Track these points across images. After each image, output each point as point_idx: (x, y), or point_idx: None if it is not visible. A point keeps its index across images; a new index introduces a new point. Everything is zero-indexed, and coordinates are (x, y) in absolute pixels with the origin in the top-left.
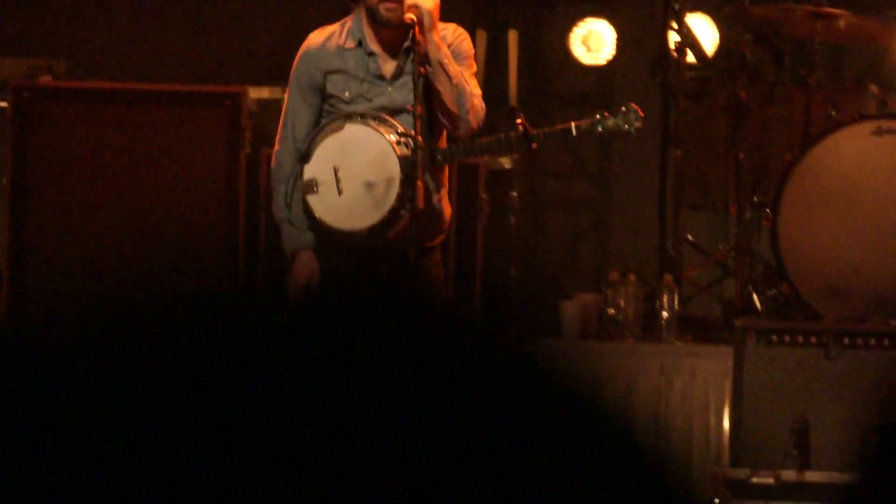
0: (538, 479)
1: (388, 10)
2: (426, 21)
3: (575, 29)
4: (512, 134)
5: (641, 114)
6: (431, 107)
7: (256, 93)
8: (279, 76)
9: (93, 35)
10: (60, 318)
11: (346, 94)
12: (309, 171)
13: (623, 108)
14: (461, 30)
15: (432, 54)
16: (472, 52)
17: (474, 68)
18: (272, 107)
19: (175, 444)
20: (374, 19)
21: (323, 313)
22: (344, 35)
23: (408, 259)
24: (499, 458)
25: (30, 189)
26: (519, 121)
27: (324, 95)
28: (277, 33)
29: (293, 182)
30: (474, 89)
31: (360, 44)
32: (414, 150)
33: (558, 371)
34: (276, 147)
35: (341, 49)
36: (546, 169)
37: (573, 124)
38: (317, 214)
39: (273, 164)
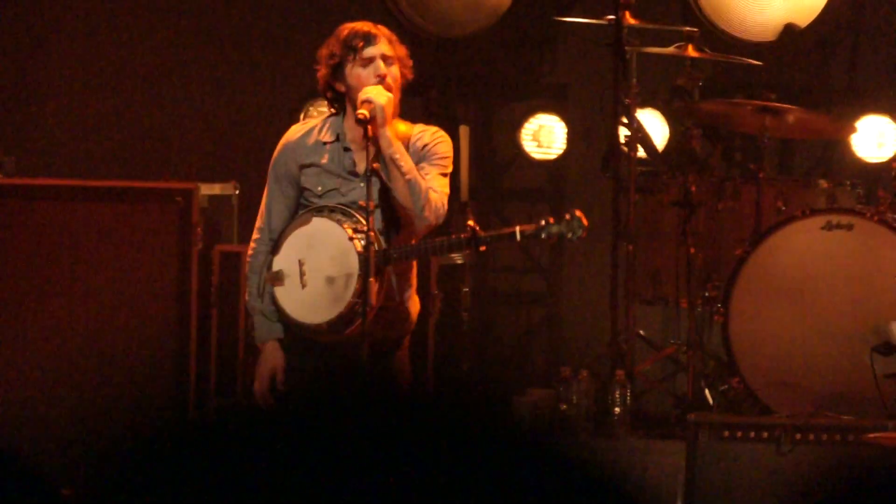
0: None
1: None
2: (379, 117)
3: (525, 124)
4: (462, 236)
5: (585, 222)
6: (392, 203)
7: (208, 189)
8: (230, 172)
9: (43, 132)
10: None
11: (319, 188)
12: (277, 262)
13: (567, 216)
14: (441, 133)
15: (384, 150)
16: (448, 154)
17: (448, 169)
18: (223, 202)
19: None
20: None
21: (283, 406)
22: (324, 130)
23: (375, 354)
24: None
25: None
26: (469, 223)
27: (299, 188)
28: (229, 131)
29: (265, 273)
30: (436, 187)
31: (337, 138)
32: (366, 247)
33: (516, 467)
34: (254, 236)
35: (318, 143)
36: (498, 264)
37: (518, 229)
38: (282, 306)
39: (250, 253)
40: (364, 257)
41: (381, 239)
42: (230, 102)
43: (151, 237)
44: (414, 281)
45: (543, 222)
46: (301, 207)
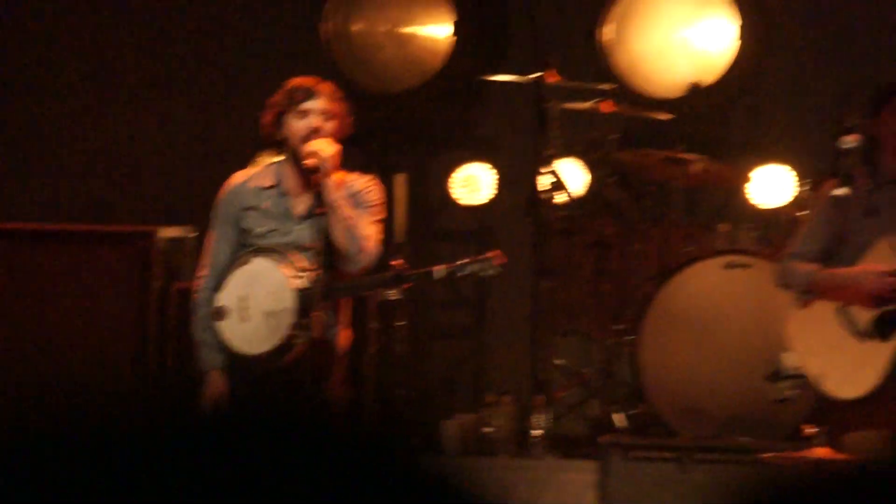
0: None
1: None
2: (324, 168)
3: (456, 172)
4: (387, 274)
5: (496, 262)
6: (331, 245)
7: (165, 232)
8: (186, 216)
9: (7, 178)
10: None
11: (259, 229)
12: (220, 298)
13: (481, 256)
14: (372, 181)
15: (327, 197)
16: (379, 201)
17: (380, 215)
18: (180, 244)
19: None
20: (297, 159)
21: (224, 430)
22: (264, 175)
23: (304, 383)
24: None
25: None
26: (393, 263)
27: (241, 230)
28: (187, 178)
29: (210, 308)
30: (371, 233)
31: (276, 184)
32: (311, 284)
33: (440, 486)
34: (199, 273)
35: (259, 189)
36: (429, 300)
37: (434, 269)
38: (225, 339)
39: (195, 290)
40: (304, 293)
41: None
42: (189, 151)
43: (114, 276)
44: (343, 316)
45: (458, 262)
46: (242, 248)
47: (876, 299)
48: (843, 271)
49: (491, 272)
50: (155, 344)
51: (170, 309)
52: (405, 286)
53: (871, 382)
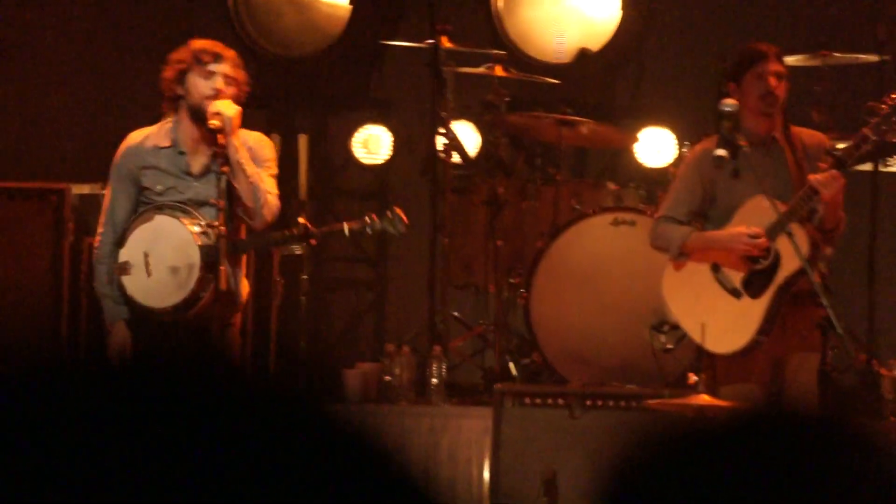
0: None
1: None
2: (228, 126)
3: (356, 133)
4: (295, 231)
5: (405, 219)
6: (233, 201)
7: (78, 189)
8: (98, 173)
9: None
10: None
11: (158, 187)
12: (123, 254)
13: (389, 213)
14: (265, 138)
15: (232, 156)
16: (272, 156)
17: (273, 171)
18: (92, 201)
19: None
20: (197, 117)
21: (129, 377)
22: (161, 135)
23: (208, 331)
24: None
25: None
26: (301, 220)
27: (140, 187)
28: (97, 136)
29: (112, 262)
30: (270, 188)
31: (173, 143)
32: (217, 240)
33: (342, 431)
34: (99, 230)
35: (156, 148)
36: (331, 255)
37: (345, 226)
38: (129, 292)
39: (96, 245)
40: (209, 249)
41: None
42: (99, 110)
43: (28, 231)
44: (244, 268)
45: (368, 220)
46: (142, 205)
47: (746, 260)
48: (714, 234)
49: (401, 228)
50: (68, 295)
51: (82, 263)
52: (312, 242)
53: (745, 338)
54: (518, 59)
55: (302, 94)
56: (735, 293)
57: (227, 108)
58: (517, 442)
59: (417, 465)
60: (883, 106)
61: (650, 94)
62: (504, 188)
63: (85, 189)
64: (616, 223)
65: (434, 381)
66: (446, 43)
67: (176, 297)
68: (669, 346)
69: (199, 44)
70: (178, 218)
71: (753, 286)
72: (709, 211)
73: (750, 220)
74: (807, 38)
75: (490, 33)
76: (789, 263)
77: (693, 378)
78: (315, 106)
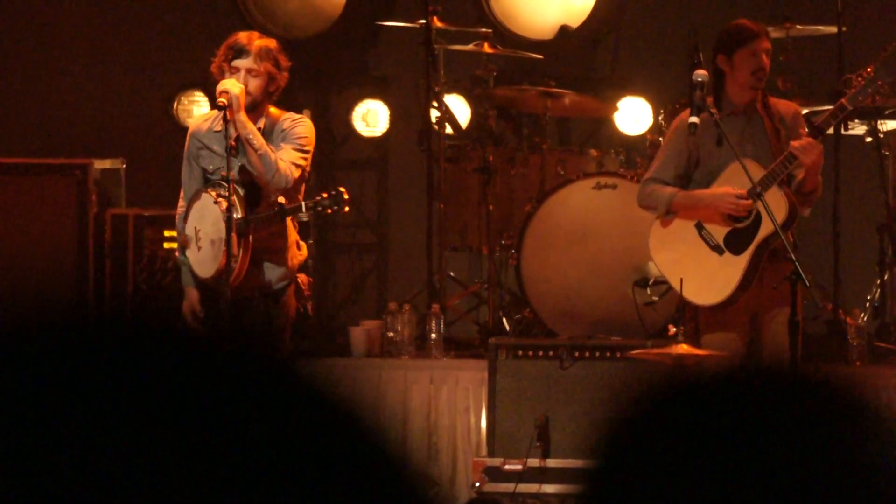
0: (331, 477)
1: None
2: (234, 104)
3: (356, 108)
4: (275, 209)
5: (346, 196)
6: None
7: (100, 163)
8: (119, 149)
9: None
10: None
11: (210, 167)
12: (186, 229)
13: (334, 192)
14: (303, 118)
15: (239, 131)
16: (305, 134)
17: (304, 146)
18: (113, 175)
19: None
20: None
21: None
22: (217, 119)
23: (250, 300)
24: (305, 459)
25: None
26: (280, 199)
27: (200, 167)
28: (117, 115)
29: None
30: (286, 157)
31: (224, 129)
32: (227, 210)
33: (348, 384)
34: (179, 204)
35: (211, 131)
36: (336, 221)
37: (303, 203)
38: (189, 264)
39: (177, 217)
40: (234, 222)
41: (241, 203)
42: (119, 91)
43: (55, 203)
44: (291, 237)
45: (318, 198)
46: (203, 182)
47: (729, 218)
48: (700, 192)
49: (345, 206)
50: (94, 262)
51: (105, 233)
52: (289, 217)
53: (727, 291)
54: (504, 36)
55: (305, 72)
56: (718, 249)
57: (233, 87)
58: (511, 391)
59: (419, 414)
60: (859, 79)
61: (628, 67)
62: (494, 157)
63: (106, 164)
64: (598, 187)
65: (433, 336)
66: (437, 22)
67: (214, 267)
68: (655, 299)
69: (231, 39)
70: (210, 195)
71: (735, 243)
72: (693, 173)
73: (732, 183)
74: (772, 11)
75: (477, 13)
76: (769, 223)
77: (673, 330)
78: (317, 83)
